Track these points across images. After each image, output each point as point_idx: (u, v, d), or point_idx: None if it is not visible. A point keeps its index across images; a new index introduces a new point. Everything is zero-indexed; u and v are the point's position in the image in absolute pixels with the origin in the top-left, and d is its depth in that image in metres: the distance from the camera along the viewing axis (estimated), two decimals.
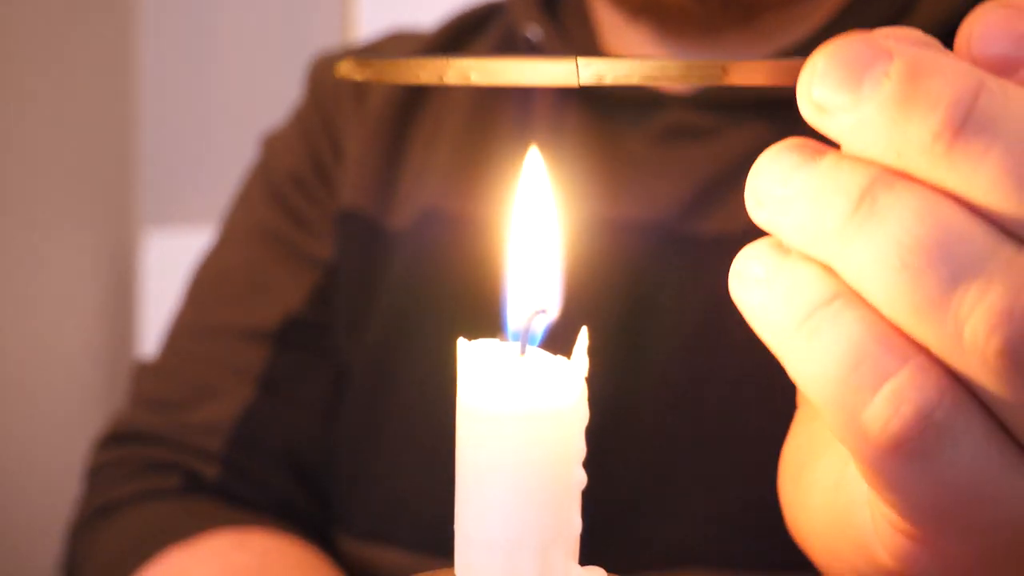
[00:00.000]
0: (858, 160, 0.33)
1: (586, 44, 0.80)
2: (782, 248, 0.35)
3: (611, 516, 0.71)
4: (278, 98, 0.93)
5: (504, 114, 0.81)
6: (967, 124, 0.31)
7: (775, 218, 0.35)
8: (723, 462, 0.71)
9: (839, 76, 0.33)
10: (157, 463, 0.80)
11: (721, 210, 0.73)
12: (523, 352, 0.33)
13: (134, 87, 1.88)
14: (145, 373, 0.87)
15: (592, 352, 0.77)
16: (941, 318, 0.32)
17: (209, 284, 0.87)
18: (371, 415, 0.79)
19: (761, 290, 0.35)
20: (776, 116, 0.74)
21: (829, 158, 0.34)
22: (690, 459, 0.71)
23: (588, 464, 0.72)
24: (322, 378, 0.82)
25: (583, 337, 0.33)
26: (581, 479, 0.33)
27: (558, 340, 0.36)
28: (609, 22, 0.80)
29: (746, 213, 0.77)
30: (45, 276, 1.80)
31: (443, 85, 0.36)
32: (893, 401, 0.33)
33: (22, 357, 1.76)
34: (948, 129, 0.31)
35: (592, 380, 0.75)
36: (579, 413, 0.32)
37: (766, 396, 0.71)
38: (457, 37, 0.87)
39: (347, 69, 0.35)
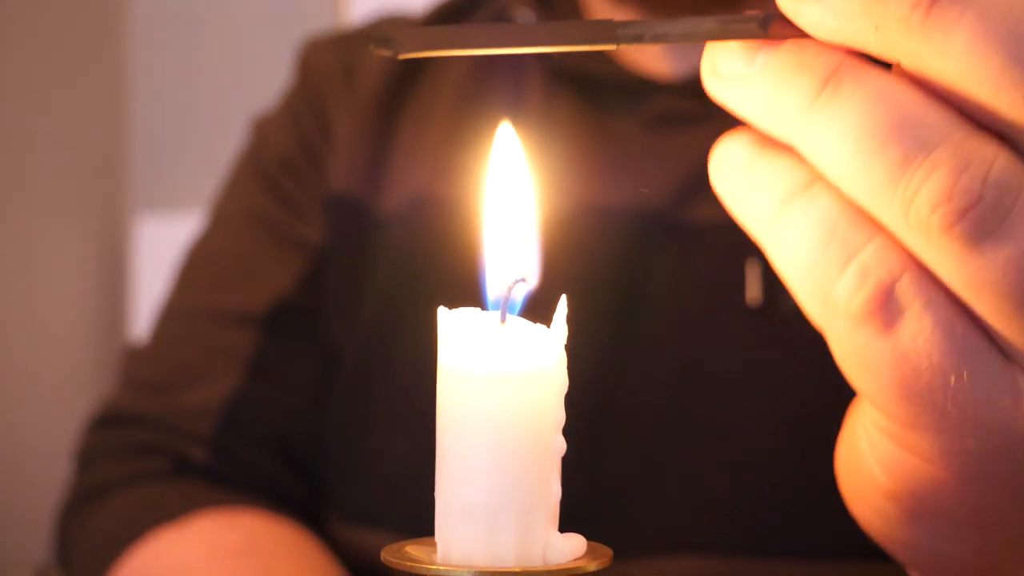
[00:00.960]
0: (822, 45, 0.35)
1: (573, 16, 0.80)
2: (762, 138, 0.37)
3: (600, 501, 0.71)
4: (269, 83, 0.93)
5: (495, 99, 0.81)
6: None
7: (733, 94, 0.36)
8: (713, 449, 0.71)
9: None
10: (146, 446, 0.80)
11: (712, 197, 0.73)
12: (503, 321, 0.33)
13: (126, 73, 1.88)
14: (134, 357, 0.87)
15: (582, 338, 0.77)
16: (891, 196, 0.34)
17: (198, 268, 0.87)
18: (362, 399, 0.79)
19: (740, 177, 0.37)
20: None
21: (791, 41, 0.35)
22: (680, 446, 0.71)
23: (578, 450, 0.72)
24: (311, 362, 0.82)
25: (562, 305, 0.34)
26: (561, 446, 0.33)
27: (547, 322, 0.37)
28: (598, 5, 0.80)
29: None
30: (38, 261, 1.80)
31: (488, 53, 0.36)
32: (859, 275, 0.35)
33: (15, 341, 1.76)
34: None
35: (582, 367, 0.76)
36: (557, 377, 0.33)
37: (757, 383, 0.71)
38: (446, 21, 0.87)
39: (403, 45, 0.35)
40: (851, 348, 0.36)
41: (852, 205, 0.35)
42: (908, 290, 0.35)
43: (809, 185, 0.35)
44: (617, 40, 0.36)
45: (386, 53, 0.36)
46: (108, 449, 0.82)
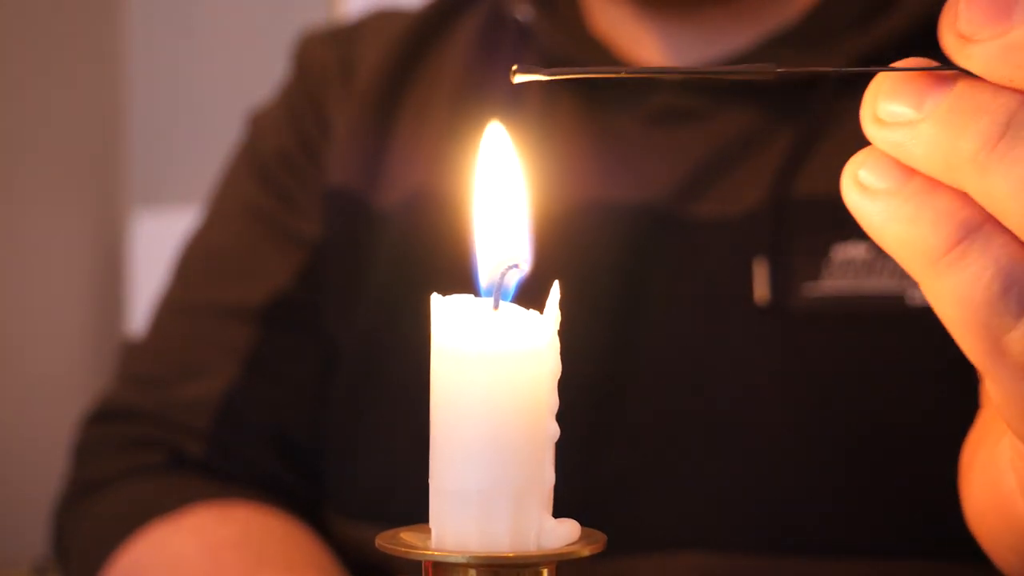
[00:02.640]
0: (995, 86, 0.34)
1: (575, 24, 0.80)
2: (901, 164, 0.36)
3: (604, 499, 0.71)
4: (266, 78, 0.93)
5: (495, 95, 0.80)
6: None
7: (901, 139, 0.35)
8: (718, 447, 0.71)
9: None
10: (142, 440, 0.80)
11: (714, 192, 0.73)
12: (496, 307, 0.33)
13: (122, 70, 1.88)
14: (132, 351, 0.87)
15: (586, 335, 0.77)
16: None
17: (196, 262, 0.87)
18: (361, 394, 0.79)
19: (897, 211, 0.35)
20: (767, 98, 0.74)
21: (963, 82, 0.34)
22: (685, 444, 0.71)
23: (582, 447, 0.72)
24: (309, 356, 0.82)
25: (555, 291, 0.34)
26: (554, 432, 0.33)
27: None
28: (598, 5, 0.80)
29: (742, 196, 0.77)
30: (35, 257, 1.81)
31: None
32: None
33: (13, 337, 1.76)
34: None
35: (586, 364, 0.75)
36: (550, 358, 0.33)
37: (764, 381, 0.71)
38: (442, 15, 0.86)
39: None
40: (1017, 395, 0.35)
41: None
42: None
43: (980, 226, 0.34)
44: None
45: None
46: (105, 443, 0.82)
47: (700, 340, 0.72)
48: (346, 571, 0.75)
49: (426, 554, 0.33)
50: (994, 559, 0.50)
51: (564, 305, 0.35)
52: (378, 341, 0.79)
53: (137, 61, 1.87)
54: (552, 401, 0.33)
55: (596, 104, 0.77)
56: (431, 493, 0.34)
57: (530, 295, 0.35)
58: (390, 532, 0.35)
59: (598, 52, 0.79)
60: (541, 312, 0.34)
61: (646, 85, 0.77)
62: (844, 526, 0.69)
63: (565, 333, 0.35)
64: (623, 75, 0.37)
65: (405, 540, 0.34)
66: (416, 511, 0.37)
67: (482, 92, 0.81)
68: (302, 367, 0.82)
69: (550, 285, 0.35)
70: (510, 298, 0.34)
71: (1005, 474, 0.42)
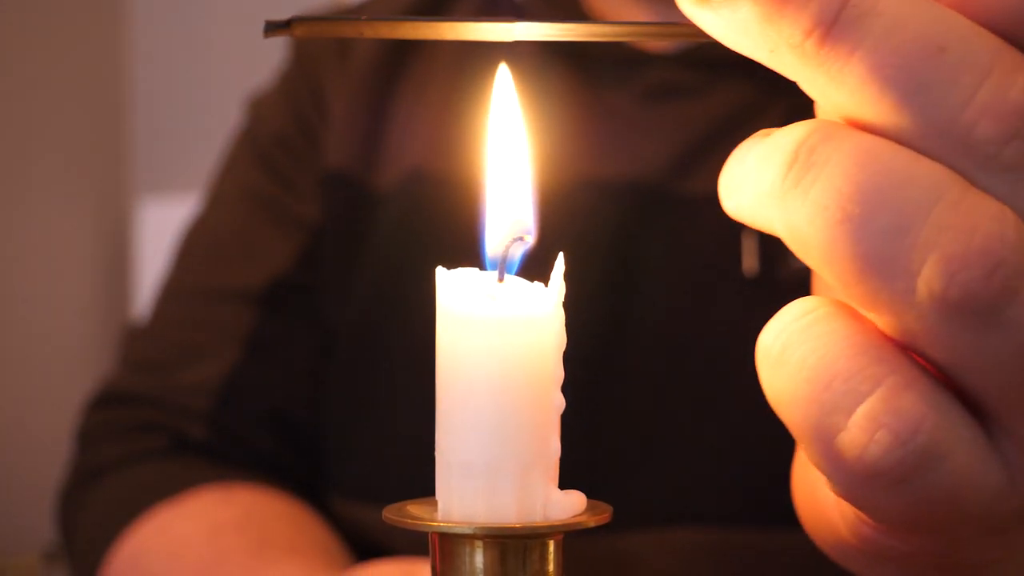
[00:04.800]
0: (801, 122, 0.31)
1: (571, 5, 0.80)
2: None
3: (598, 473, 0.71)
4: (270, 65, 0.93)
5: (489, 73, 0.80)
6: (837, 23, 0.30)
7: (734, 198, 0.32)
8: (711, 420, 0.71)
9: None
10: (145, 424, 0.80)
11: (707, 168, 0.74)
12: (500, 280, 0.33)
13: (127, 59, 1.88)
14: (133, 336, 0.87)
15: (579, 310, 0.77)
16: (891, 272, 0.29)
17: (197, 247, 0.87)
18: (362, 375, 0.79)
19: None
20: (760, 74, 0.74)
21: (778, 128, 0.32)
22: (678, 417, 0.71)
23: (575, 421, 0.72)
24: (309, 339, 0.82)
25: (560, 263, 0.34)
26: (560, 403, 0.33)
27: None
28: None
29: None
30: (42, 245, 1.81)
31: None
32: (868, 426, 0.30)
33: (20, 323, 1.77)
34: (820, 26, 0.30)
35: (578, 338, 0.75)
36: (555, 326, 0.33)
37: (752, 350, 0.71)
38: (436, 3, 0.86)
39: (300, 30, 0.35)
40: (856, 496, 0.32)
41: (853, 338, 0.31)
42: (929, 439, 0.30)
43: (801, 316, 0.32)
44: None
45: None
46: (107, 428, 0.82)
47: (692, 314, 0.72)
48: (349, 551, 0.75)
49: (432, 526, 0.33)
50: (810, 535, 0.49)
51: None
52: (378, 322, 0.79)
53: (141, 50, 1.87)
54: (557, 372, 0.33)
55: (589, 80, 0.77)
56: (437, 465, 0.34)
57: (526, 270, 0.35)
58: (396, 505, 0.35)
59: None
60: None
61: (639, 61, 0.77)
62: None
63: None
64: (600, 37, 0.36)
65: (412, 512, 0.35)
66: (415, 491, 0.37)
67: (478, 71, 0.81)
68: (303, 350, 0.82)
69: (546, 260, 0.35)
70: (515, 271, 0.34)
71: (823, 486, 0.38)
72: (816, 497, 0.42)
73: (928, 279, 0.29)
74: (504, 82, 0.35)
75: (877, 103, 0.30)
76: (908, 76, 0.29)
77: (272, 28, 0.33)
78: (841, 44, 0.30)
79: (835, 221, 0.29)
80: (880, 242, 0.29)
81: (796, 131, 0.31)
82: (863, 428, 0.30)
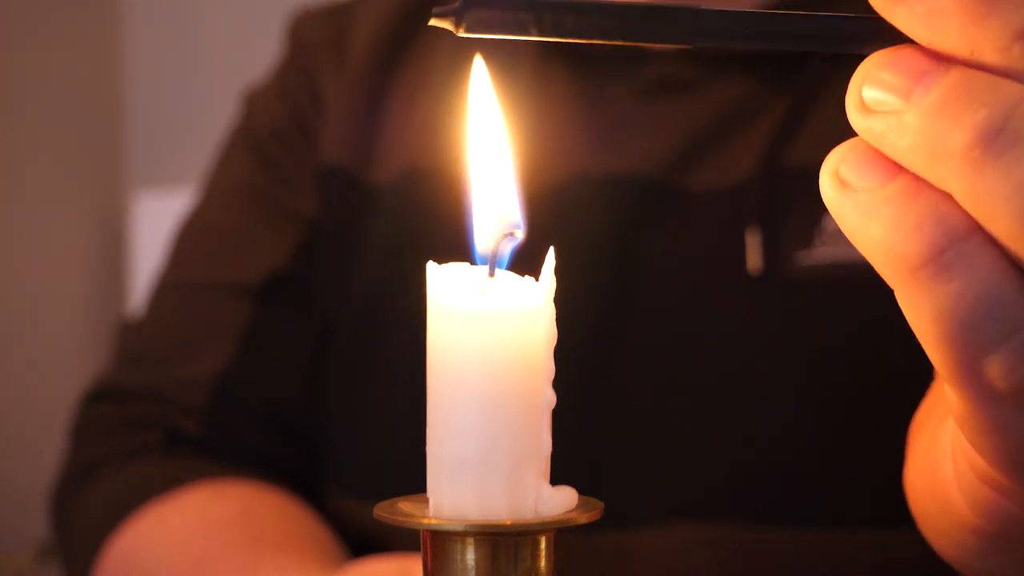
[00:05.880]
0: (994, 76, 0.31)
1: None
2: (886, 160, 0.32)
3: (599, 471, 0.71)
4: (266, 58, 0.93)
5: (487, 68, 0.80)
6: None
7: (885, 129, 0.32)
8: (713, 417, 0.71)
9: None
10: (139, 420, 0.80)
11: (707, 163, 0.73)
12: (491, 274, 0.33)
13: (122, 52, 1.88)
14: (128, 330, 0.87)
15: (580, 307, 0.77)
16: None
17: (192, 241, 0.87)
18: (358, 371, 0.79)
19: (876, 208, 0.32)
20: (761, 69, 0.74)
21: (958, 70, 0.31)
22: (679, 414, 0.71)
23: (577, 419, 0.72)
24: (306, 334, 0.82)
25: (550, 257, 0.34)
26: (551, 399, 0.33)
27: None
28: None
29: (734, 167, 0.77)
30: (37, 239, 1.81)
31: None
32: (1020, 352, 0.31)
33: (14, 318, 1.77)
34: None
35: (580, 336, 0.75)
36: (545, 322, 0.33)
37: (758, 350, 0.71)
38: None
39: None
40: (988, 415, 0.33)
41: (1014, 268, 0.31)
42: None
43: (968, 235, 0.31)
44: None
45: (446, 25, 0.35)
46: (101, 424, 0.82)
47: (693, 310, 0.72)
48: (344, 547, 0.75)
49: (423, 523, 0.33)
50: (927, 538, 0.50)
51: (557, 276, 0.35)
52: (374, 317, 0.79)
53: (137, 43, 1.86)
54: (548, 367, 0.33)
55: (589, 75, 0.77)
56: (428, 461, 0.34)
57: (523, 266, 0.35)
58: (388, 502, 0.35)
59: None
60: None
61: (639, 56, 0.76)
62: (840, 495, 0.69)
63: (558, 304, 0.34)
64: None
65: (403, 509, 0.34)
66: (412, 487, 0.36)
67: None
68: (299, 345, 0.82)
69: (543, 256, 0.34)
70: (505, 266, 0.34)
71: (944, 461, 0.40)
72: (936, 479, 0.42)
73: None
74: (479, 75, 0.35)
75: None
76: None
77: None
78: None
79: None
80: None
81: (1006, 96, 0.30)
82: (1016, 352, 0.31)
